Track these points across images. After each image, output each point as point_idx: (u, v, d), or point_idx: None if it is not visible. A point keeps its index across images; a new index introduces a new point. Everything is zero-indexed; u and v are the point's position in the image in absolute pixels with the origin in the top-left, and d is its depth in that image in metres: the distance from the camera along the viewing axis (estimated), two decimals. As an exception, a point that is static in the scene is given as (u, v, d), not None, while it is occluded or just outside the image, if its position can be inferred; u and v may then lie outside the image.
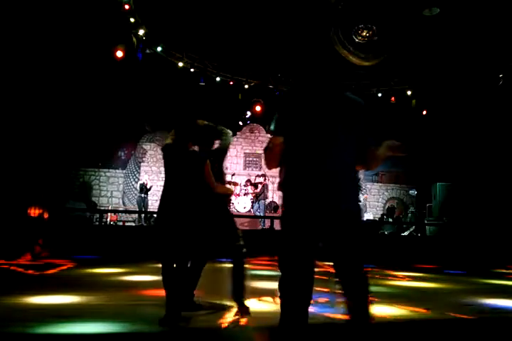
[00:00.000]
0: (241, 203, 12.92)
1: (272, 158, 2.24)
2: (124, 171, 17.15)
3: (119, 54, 11.78)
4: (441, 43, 11.03)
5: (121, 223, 14.15)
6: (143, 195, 13.10)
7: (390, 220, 14.81)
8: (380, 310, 3.74)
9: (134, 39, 12.01)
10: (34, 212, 7.28)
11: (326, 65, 2.23)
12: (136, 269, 6.64)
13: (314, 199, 2.05)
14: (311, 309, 3.86)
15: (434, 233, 11.94)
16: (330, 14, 9.62)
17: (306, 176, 2.09)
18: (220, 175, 3.77)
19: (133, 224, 13.50)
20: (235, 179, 12.84)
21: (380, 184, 19.43)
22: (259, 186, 13.20)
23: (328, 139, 2.10)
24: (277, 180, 2.33)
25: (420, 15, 9.58)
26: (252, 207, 12.95)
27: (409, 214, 14.75)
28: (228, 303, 3.79)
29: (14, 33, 10.39)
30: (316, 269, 2.11)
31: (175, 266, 3.31)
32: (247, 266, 3.62)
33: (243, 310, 3.48)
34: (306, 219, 2.06)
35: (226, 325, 3.24)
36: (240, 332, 3.12)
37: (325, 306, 4.00)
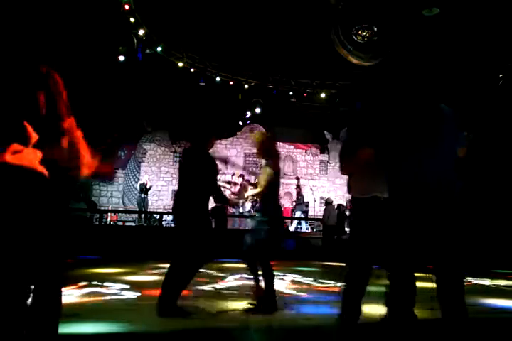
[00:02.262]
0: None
1: (356, 165, 2.65)
2: (124, 171, 17.14)
3: (121, 58, 11.93)
4: (440, 43, 11.02)
5: (121, 223, 14.15)
6: (143, 195, 13.09)
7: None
8: (380, 309, 3.73)
9: (134, 39, 12.01)
10: None
11: (427, 81, 2.68)
12: (136, 269, 6.65)
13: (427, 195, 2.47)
14: (308, 309, 3.87)
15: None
16: (330, 14, 9.62)
17: (420, 177, 2.48)
18: None
19: (133, 224, 13.49)
20: (235, 179, 12.83)
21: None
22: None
23: (434, 145, 2.51)
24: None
25: (420, 15, 9.56)
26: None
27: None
28: (224, 303, 3.78)
29: (12, 31, 10.38)
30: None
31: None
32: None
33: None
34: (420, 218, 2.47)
35: (226, 324, 3.24)
36: (240, 332, 3.12)
37: (323, 306, 4.01)
